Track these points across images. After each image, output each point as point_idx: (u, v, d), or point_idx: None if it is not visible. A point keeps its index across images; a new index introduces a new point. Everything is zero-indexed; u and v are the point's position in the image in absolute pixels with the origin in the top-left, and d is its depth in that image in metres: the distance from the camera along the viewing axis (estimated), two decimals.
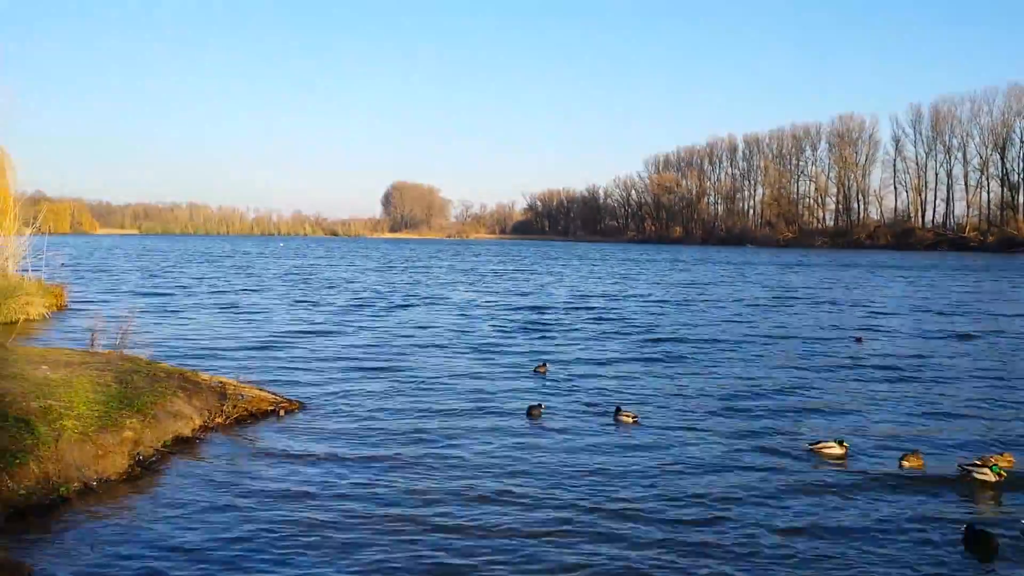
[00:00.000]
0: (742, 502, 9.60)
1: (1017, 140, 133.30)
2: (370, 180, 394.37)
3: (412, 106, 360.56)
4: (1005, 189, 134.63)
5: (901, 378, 17.54)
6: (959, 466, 10.58)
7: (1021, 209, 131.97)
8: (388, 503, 9.36)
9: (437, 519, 8.91)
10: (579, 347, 21.78)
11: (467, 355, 20.19)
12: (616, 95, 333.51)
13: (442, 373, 17.52)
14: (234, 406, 12.89)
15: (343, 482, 10.09)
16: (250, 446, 11.62)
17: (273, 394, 14.04)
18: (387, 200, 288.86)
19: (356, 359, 19.15)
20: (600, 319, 28.63)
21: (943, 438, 12.62)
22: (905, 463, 11.01)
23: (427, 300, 36.20)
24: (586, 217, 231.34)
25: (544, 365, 18.82)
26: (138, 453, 10.55)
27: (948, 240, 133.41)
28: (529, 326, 26.43)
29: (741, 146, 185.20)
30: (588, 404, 14.80)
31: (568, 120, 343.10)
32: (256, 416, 13.09)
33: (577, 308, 32.66)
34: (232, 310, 30.64)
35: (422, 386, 16.08)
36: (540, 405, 14.06)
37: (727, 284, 48.56)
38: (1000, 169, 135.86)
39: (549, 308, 32.45)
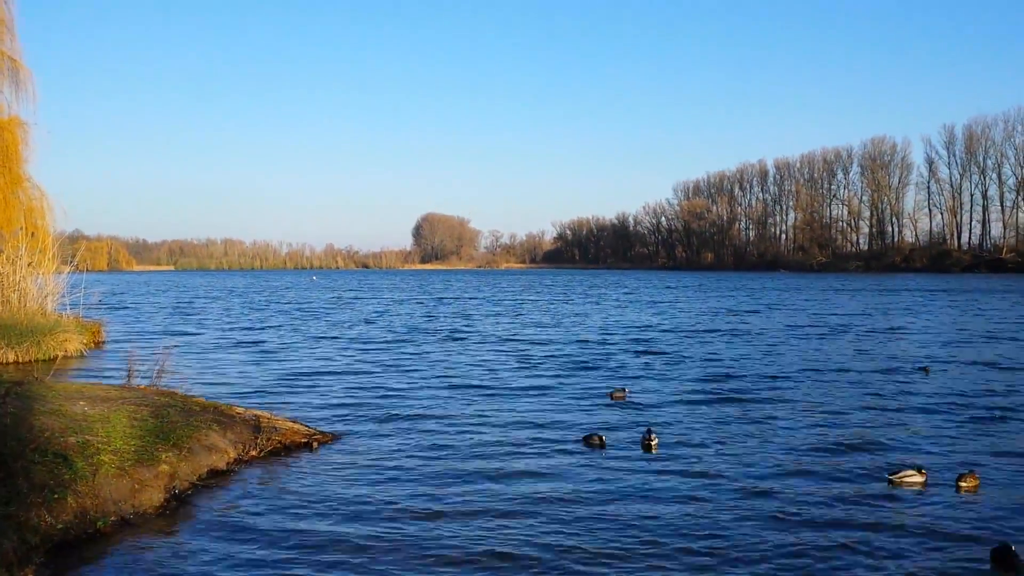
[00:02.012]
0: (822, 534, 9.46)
1: None
2: (401, 212, 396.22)
3: (442, 138, 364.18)
4: None
5: (972, 405, 17.16)
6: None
7: None
8: (425, 542, 9.28)
9: (475, 561, 8.87)
10: (635, 380, 21.18)
11: (507, 390, 19.77)
12: (645, 122, 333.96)
13: (481, 407, 17.32)
14: (268, 439, 12.95)
15: (374, 516, 10.06)
16: (284, 478, 11.65)
17: (306, 426, 14.10)
18: (418, 232, 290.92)
19: (392, 393, 19.07)
20: (650, 352, 27.76)
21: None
22: (962, 484, 11.19)
23: (463, 333, 36.26)
24: (616, 245, 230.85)
25: (623, 391, 18.69)
26: (174, 487, 10.62)
27: (985, 262, 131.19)
28: (574, 359, 26.05)
29: (772, 171, 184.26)
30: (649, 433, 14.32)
31: (597, 148, 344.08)
32: (290, 448, 13.15)
33: (623, 340, 32.16)
34: (266, 345, 30.92)
35: (462, 419, 15.94)
36: (600, 436, 13.95)
37: (772, 312, 47.39)
38: None
39: (593, 341, 31.94)
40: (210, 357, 26.73)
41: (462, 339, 32.69)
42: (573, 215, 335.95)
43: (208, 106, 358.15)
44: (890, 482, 11.40)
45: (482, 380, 21.10)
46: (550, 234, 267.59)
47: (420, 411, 16.66)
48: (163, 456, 10.96)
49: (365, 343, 31.17)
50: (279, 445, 13.07)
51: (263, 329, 38.17)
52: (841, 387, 19.91)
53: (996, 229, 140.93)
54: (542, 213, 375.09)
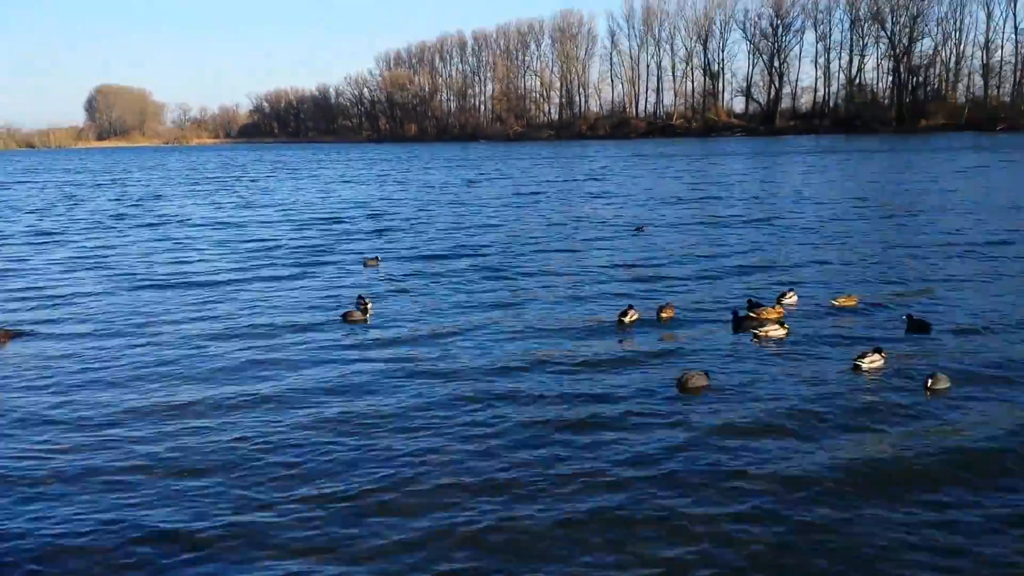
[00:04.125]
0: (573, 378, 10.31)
1: (718, 32, 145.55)
2: (68, 84, 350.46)
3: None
4: (707, 78, 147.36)
5: (680, 258, 19.74)
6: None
7: (720, 96, 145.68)
8: (98, 426, 9.12)
9: (141, 442, 8.77)
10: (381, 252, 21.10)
11: (226, 281, 18.41)
12: None
13: (197, 300, 16.22)
14: None
15: (53, 410, 9.62)
16: None
17: None
18: (91, 106, 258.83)
19: (82, 291, 17.45)
20: (386, 227, 27.36)
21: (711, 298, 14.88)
22: (662, 315, 13.38)
23: (162, 218, 33.69)
24: (318, 117, 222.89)
25: (376, 258, 19.07)
26: None
27: (659, 128, 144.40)
28: (299, 239, 25.26)
29: (470, 42, 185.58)
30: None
31: (292, 13, 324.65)
32: None
33: (352, 215, 31.61)
34: None
35: (176, 315, 14.90)
36: (365, 303, 14.14)
37: (485, 183, 48.02)
38: (703, 60, 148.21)
39: (317, 218, 31.06)
40: None
41: (161, 225, 30.27)
42: (270, 87, 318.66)
43: None
44: (619, 323, 12.99)
45: (192, 271, 19.67)
46: (246, 107, 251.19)
47: (118, 309, 15.28)
48: None
49: (42, 235, 27.86)
50: None
51: None
52: (565, 251, 21.43)
53: (668, 98, 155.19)
54: (236, 85, 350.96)
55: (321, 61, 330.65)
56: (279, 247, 23.22)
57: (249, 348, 12.12)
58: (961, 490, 7.29)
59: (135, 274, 19.15)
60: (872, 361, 10.47)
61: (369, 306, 14.16)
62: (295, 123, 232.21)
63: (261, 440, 8.60)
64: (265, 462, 8.07)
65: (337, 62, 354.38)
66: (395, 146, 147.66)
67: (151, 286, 17.51)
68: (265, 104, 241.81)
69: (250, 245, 23.74)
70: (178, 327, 13.52)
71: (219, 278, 18.32)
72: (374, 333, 12.82)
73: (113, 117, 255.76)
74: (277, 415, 9.31)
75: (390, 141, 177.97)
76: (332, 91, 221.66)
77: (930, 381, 9.70)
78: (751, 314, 13.05)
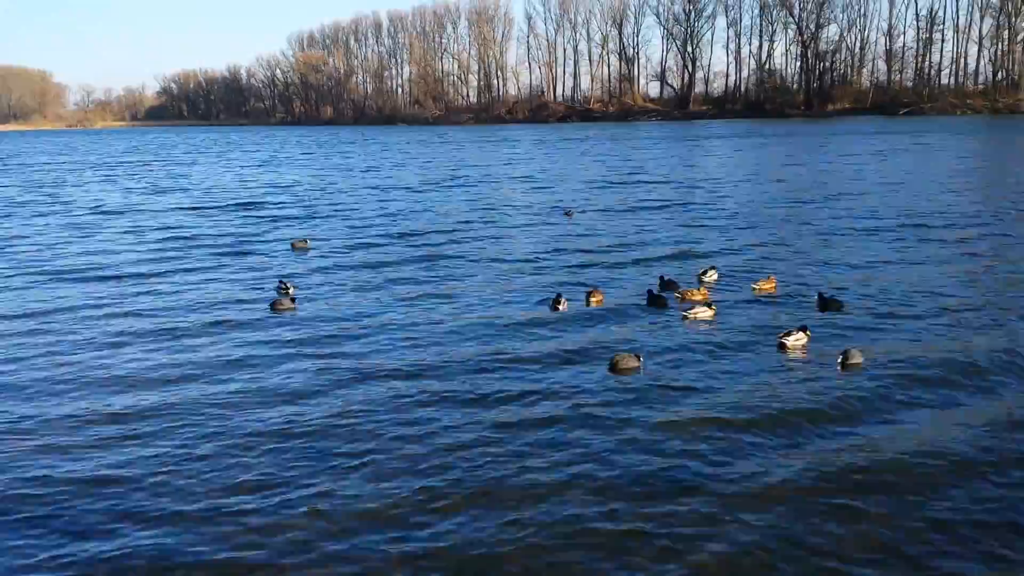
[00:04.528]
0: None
1: (632, 17, 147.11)
2: None
3: None
4: (622, 63, 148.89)
5: (607, 243, 19.91)
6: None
7: (636, 81, 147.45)
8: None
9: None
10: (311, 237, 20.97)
11: (123, 272, 17.99)
12: None
13: (88, 291, 15.99)
14: None
15: None
16: None
17: None
18: None
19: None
20: (314, 215, 26.69)
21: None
22: (592, 299, 13.51)
23: (57, 204, 32.39)
24: (229, 100, 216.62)
25: (305, 241, 19.12)
26: None
27: (577, 112, 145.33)
28: (224, 226, 24.65)
29: (386, 23, 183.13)
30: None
31: None
32: None
33: (276, 199, 30.93)
34: None
35: (64, 303, 14.65)
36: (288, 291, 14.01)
37: (409, 167, 47.35)
38: (618, 44, 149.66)
39: (240, 203, 30.34)
40: None
41: (67, 213, 29.01)
42: (178, 68, 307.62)
43: None
44: (553, 309, 13.08)
45: (103, 263, 18.67)
46: (153, 88, 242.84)
47: (18, 305, 14.51)
48: None
49: None
50: None
51: None
52: (493, 237, 21.40)
53: (585, 82, 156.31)
54: (142, 66, 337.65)
55: (231, 42, 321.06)
56: (197, 235, 22.54)
57: (167, 347, 11.62)
58: (882, 479, 7.35)
59: (39, 265, 18.31)
60: (797, 339, 10.84)
61: (291, 290, 13.93)
62: (205, 105, 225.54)
63: (176, 451, 8.11)
64: (180, 475, 7.60)
65: (248, 43, 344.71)
66: (311, 129, 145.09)
67: (57, 279, 16.73)
68: (173, 86, 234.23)
69: (166, 233, 22.97)
70: (88, 325, 12.88)
71: (134, 269, 17.65)
72: (303, 330, 12.34)
73: (12, 100, 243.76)
74: (195, 421, 8.85)
75: (305, 124, 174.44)
76: (244, 72, 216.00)
77: (841, 357, 10.14)
78: (676, 294, 13.41)
